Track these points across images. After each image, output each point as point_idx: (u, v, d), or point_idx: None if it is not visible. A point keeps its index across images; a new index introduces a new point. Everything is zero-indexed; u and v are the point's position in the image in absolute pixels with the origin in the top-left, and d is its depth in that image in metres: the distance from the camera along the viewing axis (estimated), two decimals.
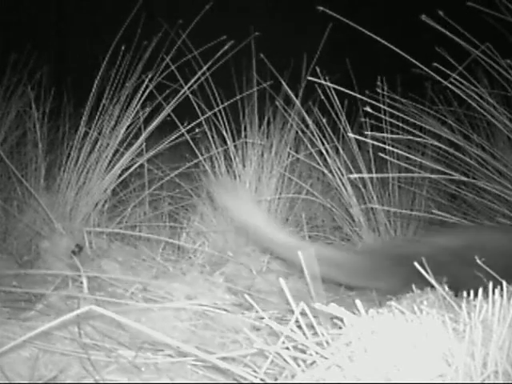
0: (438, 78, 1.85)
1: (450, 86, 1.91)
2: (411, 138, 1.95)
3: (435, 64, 1.80)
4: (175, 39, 2.33)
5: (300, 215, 2.50)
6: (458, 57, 1.94)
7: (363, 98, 1.94)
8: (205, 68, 2.35)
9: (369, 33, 1.72)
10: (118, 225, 2.37)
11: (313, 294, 1.11)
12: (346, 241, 2.46)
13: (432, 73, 1.81)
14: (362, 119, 2.19)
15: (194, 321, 1.56)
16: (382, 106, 2.08)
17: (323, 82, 2.09)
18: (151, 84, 2.34)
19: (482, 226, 2.13)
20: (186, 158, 2.58)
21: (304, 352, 1.05)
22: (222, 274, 1.97)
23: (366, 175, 2.37)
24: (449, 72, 1.89)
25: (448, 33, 1.79)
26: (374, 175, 2.39)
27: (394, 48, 1.74)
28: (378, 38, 1.72)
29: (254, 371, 1.11)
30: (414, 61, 1.78)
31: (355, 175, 2.31)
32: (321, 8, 1.77)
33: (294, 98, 2.37)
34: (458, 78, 1.93)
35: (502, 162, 2.10)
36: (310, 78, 2.01)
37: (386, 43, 1.72)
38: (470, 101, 1.99)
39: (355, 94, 1.94)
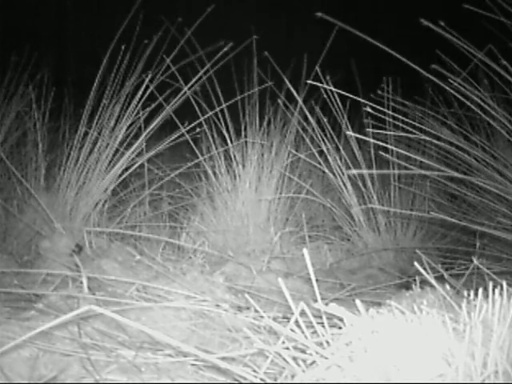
0: (439, 80, 1.85)
1: (451, 88, 1.91)
2: (411, 135, 1.95)
3: (434, 66, 1.80)
4: (176, 39, 2.33)
5: (300, 215, 2.50)
6: (458, 58, 1.94)
7: (363, 100, 1.93)
8: (206, 68, 2.35)
9: (370, 39, 1.71)
10: (118, 225, 2.37)
11: (317, 293, 1.11)
12: (345, 241, 2.46)
13: (432, 75, 1.81)
14: (365, 120, 2.19)
15: (193, 320, 1.56)
16: (383, 106, 2.08)
17: (324, 85, 2.09)
18: (151, 84, 2.34)
19: None
20: (186, 158, 2.58)
21: (304, 352, 1.05)
22: (222, 273, 1.97)
23: (364, 171, 2.37)
24: (451, 74, 1.89)
25: (449, 35, 1.79)
26: (374, 171, 2.39)
27: (393, 53, 1.73)
28: (379, 44, 1.71)
29: (254, 371, 1.11)
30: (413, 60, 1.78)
31: (354, 171, 2.31)
32: (319, 14, 1.76)
33: (297, 96, 2.37)
34: (463, 76, 1.93)
35: (501, 162, 2.10)
36: (309, 82, 2.00)
37: (386, 48, 1.72)
38: (469, 104, 1.99)
39: (354, 97, 1.94)
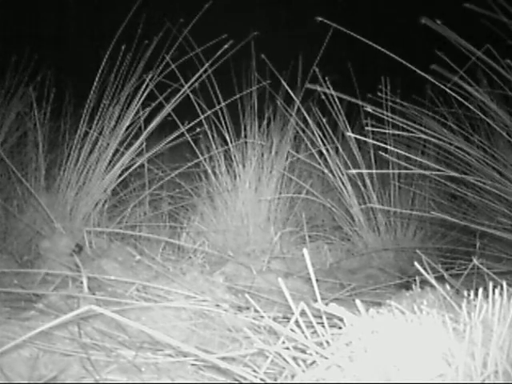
0: (439, 80, 1.85)
1: (450, 87, 1.91)
2: (411, 134, 1.95)
3: (433, 66, 1.80)
4: (176, 38, 2.33)
5: (300, 215, 2.50)
6: (457, 58, 1.94)
7: (360, 102, 1.94)
8: (205, 67, 2.35)
9: (368, 41, 1.72)
10: (118, 225, 2.37)
11: (317, 293, 1.10)
12: (346, 241, 2.46)
13: (432, 75, 1.81)
14: (364, 121, 2.19)
15: (193, 320, 1.56)
16: (382, 106, 2.08)
17: (323, 84, 2.09)
18: (151, 84, 2.34)
19: None
20: (186, 158, 2.58)
21: (304, 352, 1.05)
22: (222, 273, 1.97)
23: (364, 171, 2.37)
24: (449, 75, 1.89)
25: (448, 35, 1.79)
26: (374, 171, 2.39)
27: (392, 55, 1.73)
28: (377, 47, 1.72)
29: (254, 371, 1.11)
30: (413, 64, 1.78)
31: (354, 171, 2.31)
32: (319, 18, 1.77)
33: (295, 97, 2.37)
34: (462, 75, 1.93)
35: (501, 162, 2.10)
36: (308, 86, 2.01)
37: (384, 50, 1.72)
38: (469, 104, 1.99)
39: (353, 99, 1.94)
